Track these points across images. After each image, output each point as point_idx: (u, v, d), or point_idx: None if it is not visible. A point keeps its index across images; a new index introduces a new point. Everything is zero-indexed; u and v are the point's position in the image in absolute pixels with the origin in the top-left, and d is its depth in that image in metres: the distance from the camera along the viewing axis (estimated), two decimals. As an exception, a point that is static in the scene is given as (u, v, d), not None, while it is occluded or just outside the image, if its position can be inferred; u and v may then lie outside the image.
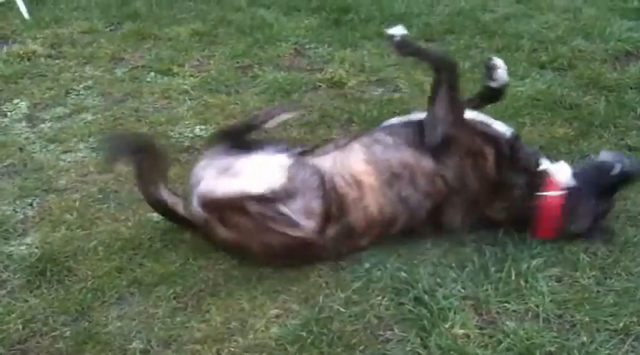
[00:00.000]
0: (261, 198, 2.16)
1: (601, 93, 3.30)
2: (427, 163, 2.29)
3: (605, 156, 2.37)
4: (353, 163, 2.30)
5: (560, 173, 2.36)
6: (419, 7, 4.53)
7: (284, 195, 2.18)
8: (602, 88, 3.35)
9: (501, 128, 2.42)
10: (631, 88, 3.34)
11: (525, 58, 3.73)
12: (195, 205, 2.23)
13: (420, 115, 2.42)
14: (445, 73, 2.35)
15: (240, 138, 2.40)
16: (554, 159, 2.68)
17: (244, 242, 2.22)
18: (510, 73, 3.46)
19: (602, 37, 3.91)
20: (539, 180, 2.34)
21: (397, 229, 2.31)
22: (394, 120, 2.52)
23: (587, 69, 3.54)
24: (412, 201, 2.28)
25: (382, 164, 2.29)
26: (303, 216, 2.18)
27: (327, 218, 2.21)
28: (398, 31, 2.42)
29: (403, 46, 2.44)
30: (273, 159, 2.28)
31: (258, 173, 2.22)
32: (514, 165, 2.35)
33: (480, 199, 2.33)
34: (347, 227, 2.24)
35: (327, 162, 2.31)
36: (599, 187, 2.31)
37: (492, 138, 2.36)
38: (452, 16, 4.37)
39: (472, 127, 2.36)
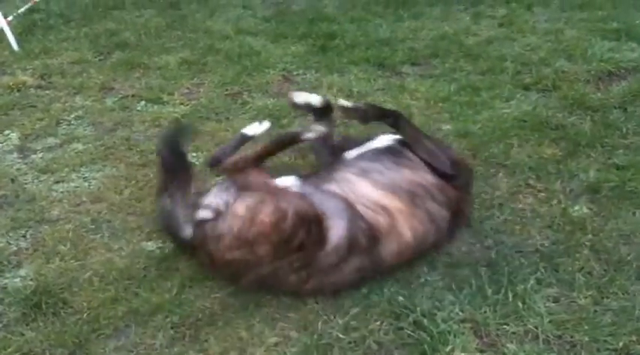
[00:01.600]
0: None
1: (586, 114, 3.35)
2: (429, 176, 2.36)
3: None
4: (366, 192, 2.28)
5: None
6: (403, 32, 4.60)
7: None
8: (587, 108, 3.40)
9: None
10: (615, 108, 3.40)
11: (510, 80, 3.79)
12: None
13: (377, 142, 2.56)
14: (400, 121, 2.53)
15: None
16: (543, 179, 2.73)
17: None
18: (495, 95, 3.58)
19: (585, 58, 3.97)
20: None
21: (426, 249, 2.32)
22: (358, 151, 2.55)
23: (571, 90, 3.59)
24: (436, 214, 2.29)
25: (393, 187, 2.29)
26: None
27: (350, 247, 2.15)
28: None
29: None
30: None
31: None
32: None
33: None
34: (376, 258, 2.19)
35: (335, 190, 2.29)
36: None
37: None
38: (436, 41, 4.43)
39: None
